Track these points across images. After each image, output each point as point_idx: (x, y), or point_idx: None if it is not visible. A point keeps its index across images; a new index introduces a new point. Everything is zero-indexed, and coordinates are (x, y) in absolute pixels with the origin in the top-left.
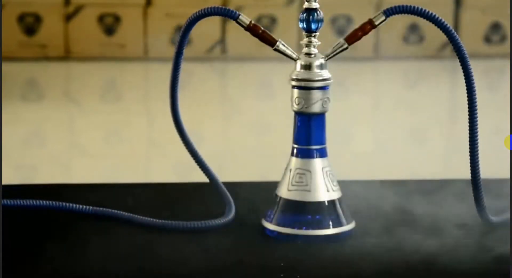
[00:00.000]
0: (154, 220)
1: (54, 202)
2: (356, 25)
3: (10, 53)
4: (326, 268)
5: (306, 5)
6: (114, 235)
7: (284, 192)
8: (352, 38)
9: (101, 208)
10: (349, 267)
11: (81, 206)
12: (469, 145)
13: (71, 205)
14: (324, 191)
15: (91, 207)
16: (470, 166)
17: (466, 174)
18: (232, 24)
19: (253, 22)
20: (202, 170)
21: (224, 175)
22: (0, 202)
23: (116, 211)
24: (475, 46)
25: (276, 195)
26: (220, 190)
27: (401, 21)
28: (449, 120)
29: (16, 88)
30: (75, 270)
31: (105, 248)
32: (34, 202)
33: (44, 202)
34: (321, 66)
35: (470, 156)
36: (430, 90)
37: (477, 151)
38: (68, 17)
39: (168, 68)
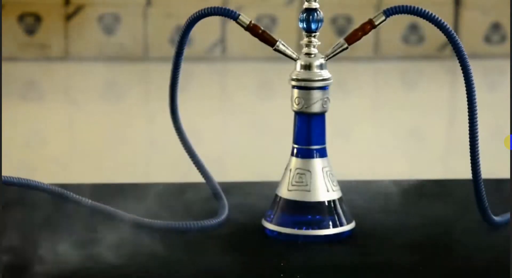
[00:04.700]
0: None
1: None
2: (356, 25)
3: (10, 53)
4: (326, 268)
5: (306, 5)
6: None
7: (284, 192)
8: (352, 38)
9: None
10: (349, 267)
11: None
12: (470, 145)
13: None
14: (324, 191)
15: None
16: (471, 166)
17: (466, 174)
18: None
19: (253, 22)
20: (198, 169)
21: (224, 175)
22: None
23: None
24: (475, 46)
25: (276, 195)
26: (215, 190)
27: (401, 21)
28: (449, 120)
29: (16, 88)
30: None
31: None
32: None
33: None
34: (321, 66)
35: (471, 156)
36: (430, 91)
37: (478, 151)
38: (68, 17)
39: (168, 68)
